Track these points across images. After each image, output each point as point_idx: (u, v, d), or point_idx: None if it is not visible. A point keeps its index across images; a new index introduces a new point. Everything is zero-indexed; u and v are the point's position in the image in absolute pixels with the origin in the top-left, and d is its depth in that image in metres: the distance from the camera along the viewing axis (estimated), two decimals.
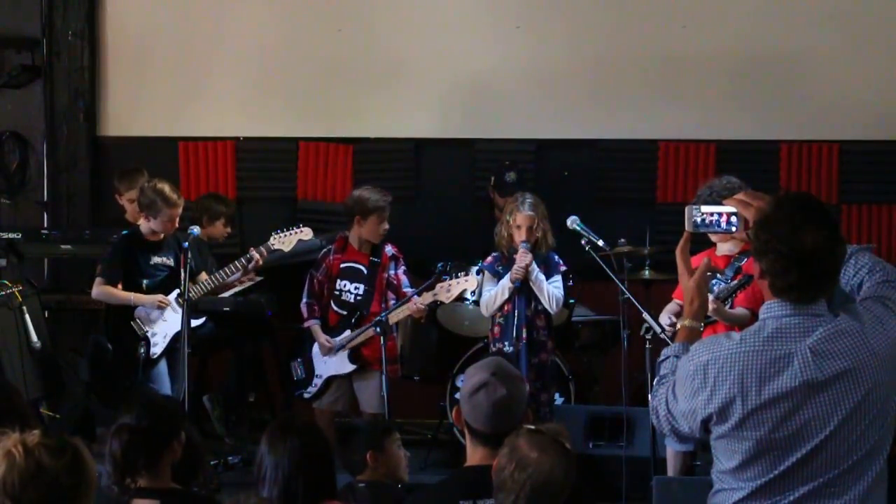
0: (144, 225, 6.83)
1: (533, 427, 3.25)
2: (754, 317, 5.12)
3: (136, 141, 8.51)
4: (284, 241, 6.81)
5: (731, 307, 5.47)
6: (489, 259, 6.78)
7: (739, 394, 3.07)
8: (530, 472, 3.13)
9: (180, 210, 6.79)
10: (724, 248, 5.67)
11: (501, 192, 7.56)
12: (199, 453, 3.92)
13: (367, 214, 6.85)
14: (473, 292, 6.84)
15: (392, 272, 6.93)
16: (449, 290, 6.59)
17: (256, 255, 6.77)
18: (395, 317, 6.66)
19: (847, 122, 8.07)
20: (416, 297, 6.70)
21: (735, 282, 5.44)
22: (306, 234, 6.85)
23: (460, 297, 6.80)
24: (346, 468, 4.59)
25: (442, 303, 6.74)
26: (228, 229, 7.74)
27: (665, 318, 5.65)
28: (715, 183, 5.69)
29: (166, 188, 6.72)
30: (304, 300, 6.94)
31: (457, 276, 6.68)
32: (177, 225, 6.80)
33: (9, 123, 8.60)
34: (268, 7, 8.44)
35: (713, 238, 5.54)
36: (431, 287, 6.61)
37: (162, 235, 6.83)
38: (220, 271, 6.84)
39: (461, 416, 3.55)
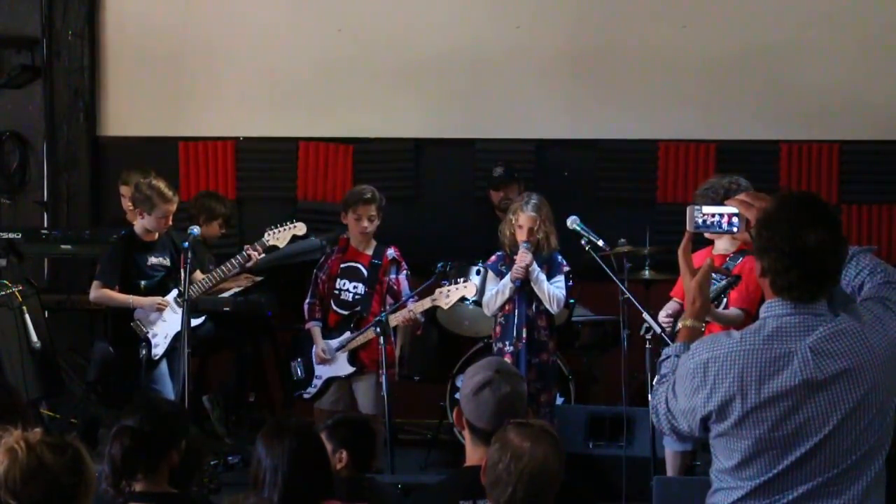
0: (138, 224, 6.82)
1: (519, 420, 3.27)
2: (748, 316, 5.16)
3: (136, 141, 8.52)
4: (279, 236, 6.79)
5: (725, 308, 5.46)
6: (493, 258, 6.77)
7: (739, 392, 3.07)
8: (526, 461, 3.14)
9: (175, 207, 6.77)
10: (721, 246, 5.64)
11: (490, 186, 7.66)
12: (199, 457, 3.90)
13: (345, 210, 6.85)
14: (471, 300, 6.83)
15: (392, 276, 6.88)
16: (448, 295, 6.57)
17: (252, 252, 6.76)
18: (393, 320, 6.65)
19: (847, 122, 8.07)
20: (411, 303, 6.69)
21: (723, 282, 5.40)
22: (300, 228, 6.82)
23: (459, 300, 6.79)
24: None
25: (440, 308, 6.74)
26: (224, 230, 7.73)
27: (663, 314, 5.64)
28: (714, 182, 5.66)
29: (161, 184, 6.73)
30: (308, 300, 6.93)
31: (456, 282, 6.66)
32: (170, 223, 6.79)
33: (9, 123, 8.61)
34: (268, 7, 8.44)
35: (708, 237, 5.48)
36: (430, 290, 6.60)
37: (156, 235, 6.82)
38: (217, 269, 6.83)
39: (461, 416, 3.55)
